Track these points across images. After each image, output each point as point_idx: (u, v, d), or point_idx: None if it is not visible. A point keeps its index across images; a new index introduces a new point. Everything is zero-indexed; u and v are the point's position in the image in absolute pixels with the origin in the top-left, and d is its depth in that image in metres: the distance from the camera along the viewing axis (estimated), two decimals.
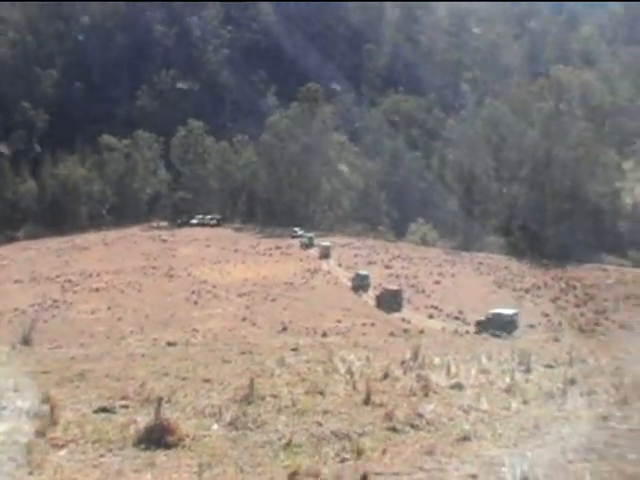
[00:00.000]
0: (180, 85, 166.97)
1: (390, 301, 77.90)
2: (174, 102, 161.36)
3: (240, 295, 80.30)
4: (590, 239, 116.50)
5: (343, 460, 12.56)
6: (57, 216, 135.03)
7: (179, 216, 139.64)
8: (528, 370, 24.48)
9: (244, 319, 68.93)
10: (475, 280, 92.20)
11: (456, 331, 66.11)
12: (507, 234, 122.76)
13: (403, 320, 71.20)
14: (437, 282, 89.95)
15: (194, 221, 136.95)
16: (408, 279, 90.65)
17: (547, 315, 76.27)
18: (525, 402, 18.54)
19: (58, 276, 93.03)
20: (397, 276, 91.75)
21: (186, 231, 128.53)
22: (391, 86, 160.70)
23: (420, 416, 15.50)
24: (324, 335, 59.78)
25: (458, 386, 20.13)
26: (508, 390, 20.04)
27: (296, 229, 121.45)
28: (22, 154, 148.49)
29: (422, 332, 63.53)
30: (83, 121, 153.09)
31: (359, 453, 12.81)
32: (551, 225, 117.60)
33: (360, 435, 13.98)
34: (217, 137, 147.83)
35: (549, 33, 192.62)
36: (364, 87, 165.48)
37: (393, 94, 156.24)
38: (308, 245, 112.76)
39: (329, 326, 65.42)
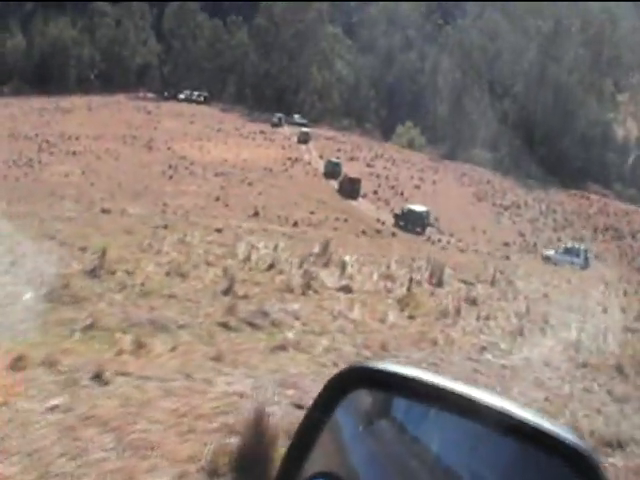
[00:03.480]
0: None
1: (348, 188, 79.21)
2: None
3: (217, 175, 79.27)
4: (577, 165, 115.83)
5: (120, 353, 10.57)
6: (44, 76, 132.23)
7: (167, 89, 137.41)
8: (439, 284, 23.19)
9: (217, 199, 68.06)
10: (455, 190, 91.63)
11: (427, 237, 66.11)
12: (494, 149, 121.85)
13: (378, 220, 70.75)
14: (417, 187, 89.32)
15: (181, 96, 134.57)
16: (388, 180, 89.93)
17: (523, 235, 76.17)
18: (410, 317, 17.07)
19: (37, 135, 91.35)
20: (377, 175, 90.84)
21: (172, 105, 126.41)
22: None
23: (265, 315, 13.87)
24: (295, 225, 59.44)
25: (346, 289, 18.66)
26: (400, 301, 18.63)
27: (296, 116, 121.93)
28: (12, 9, 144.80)
29: (394, 235, 63.37)
30: None
31: (140, 347, 10.92)
32: (539, 146, 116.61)
33: (180, 327, 12.43)
34: (212, 15, 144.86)
35: None
36: None
37: None
38: (277, 124, 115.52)
39: (302, 216, 64.87)
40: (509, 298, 23.02)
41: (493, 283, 25.42)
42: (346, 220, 66.96)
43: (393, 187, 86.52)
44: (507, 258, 51.93)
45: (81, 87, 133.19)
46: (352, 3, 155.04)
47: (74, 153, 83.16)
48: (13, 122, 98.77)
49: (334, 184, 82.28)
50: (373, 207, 76.55)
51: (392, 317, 16.25)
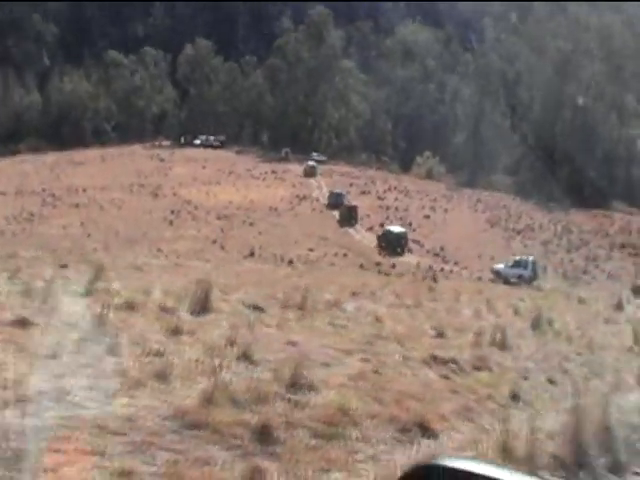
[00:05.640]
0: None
1: (346, 216, 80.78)
2: (186, 21, 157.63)
3: (219, 218, 78.64)
4: (600, 184, 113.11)
5: None
6: (61, 131, 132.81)
7: (184, 135, 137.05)
8: (202, 311, 16.13)
9: (214, 242, 67.25)
10: (468, 217, 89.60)
11: (429, 267, 64.45)
12: (515, 173, 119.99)
13: (380, 253, 69.45)
14: (427, 217, 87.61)
15: (197, 141, 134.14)
16: (398, 211, 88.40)
17: None
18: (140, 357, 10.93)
19: (44, 190, 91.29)
20: (387, 208, 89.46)
21: (187, 151, 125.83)
22: (409, 16, 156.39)
23: None
24: (290, 263, 58.30)
25: (22, 323, 12.26)
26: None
27: (314, 154, 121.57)
28: (30, 66, 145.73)
29: (394, 267, 62.12)
30: (94, 37, 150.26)
31: None
32: (560, 167, 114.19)
33: None
34: (227, 58, 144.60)
35: None
36: (382, 15, 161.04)
37: (411, 24, 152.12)
38: (284, 158, 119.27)
39: (299, 254, 63.74)
40: (252, 324, 14.66)
41: (302, 308, 19.29)
42: (345, 255, 65.86)
43: (401, 218, 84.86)
44: (434, 280, 49.74)
45: (98, 139, 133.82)
46: (371, 37, 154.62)
47: (77, 205, 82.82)
48: (23, 178, 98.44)
49: (336, 214, 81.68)
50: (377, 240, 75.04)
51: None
